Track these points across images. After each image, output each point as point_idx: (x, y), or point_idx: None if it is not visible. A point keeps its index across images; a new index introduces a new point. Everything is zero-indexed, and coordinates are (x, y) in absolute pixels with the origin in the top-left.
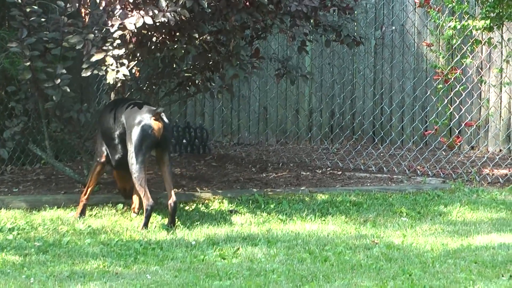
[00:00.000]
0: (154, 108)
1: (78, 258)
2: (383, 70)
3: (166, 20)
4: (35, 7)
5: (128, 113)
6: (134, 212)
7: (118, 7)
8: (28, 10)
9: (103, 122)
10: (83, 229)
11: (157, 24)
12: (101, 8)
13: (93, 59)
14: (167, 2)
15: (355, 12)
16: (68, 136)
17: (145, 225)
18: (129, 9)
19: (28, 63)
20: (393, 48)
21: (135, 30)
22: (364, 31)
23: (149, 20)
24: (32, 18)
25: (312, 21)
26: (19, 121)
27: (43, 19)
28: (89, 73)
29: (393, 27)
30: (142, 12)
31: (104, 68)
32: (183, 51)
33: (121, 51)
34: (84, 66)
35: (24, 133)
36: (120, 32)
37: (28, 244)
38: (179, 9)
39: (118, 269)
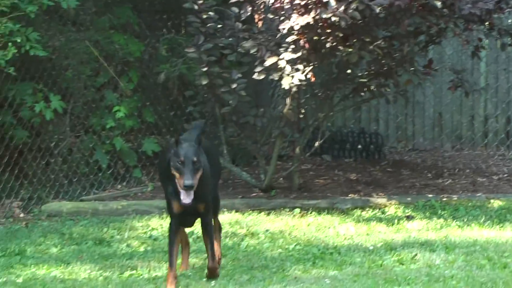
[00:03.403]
0: None
1: (258, 262)
2: None
3: (337, 20)
4: (211, 13)
5: None
6: None
7: (290, 11)
8: (204, 16)
9: None
10: (261, 233)
11: (328, 25)
12: (272, 12)
13: (266, 63)
14: (337, 3)
15: None
16: (245, 141)
17: None
18: (300, 12)
19: (205, 69)
20: None
21: (303, 30)
22: None
23: (315, 18)
24: (209, 25)
25: (486, 24)
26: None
27: (219, 25)
28: (262, 77)
29: None
30: (312, 13)
31: (279, 73)
32: (357, 57)
33: (294, 56)
34: (257, 70)
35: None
36: (293, 37)
37: None
38: (350, 10)
39: (297, 274)
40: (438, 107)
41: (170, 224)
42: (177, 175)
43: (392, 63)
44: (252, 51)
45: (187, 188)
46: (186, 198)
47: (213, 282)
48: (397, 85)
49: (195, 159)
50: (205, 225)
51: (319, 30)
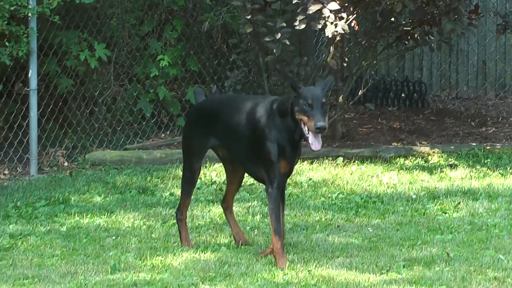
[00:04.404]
0: None
1: (300, 210)
2: None
3: None
4: None
5: None
6: None
7: None
8: None
9: None
10: (304, 182)
11: None
12: None
13: (310, 11)
14: None
15: None
16: (288, 89)
17: None
18: None
19: (249, 17)
20: None
21: None
22: None
23: None
24: None
25: None
26: (240, 71)
27: None
28: (303, 26)
29: None
30: None
31: (322, 22)
32: (401, 5)
33: (337, 5)
34: (299, 17)
35: (245, 86)
36: None
37: (251, 196)
38: None
39: (340, 222)
40: (482, 55)
41: (271, 187)
42: (304, 118)
43: (436, 12)
44: (294, 0)
45: (320, 130)
46: (316, 143)
47: (256, 231)
48: (441, 33)
49: (324, 100)
50: (283, 191)
51: None
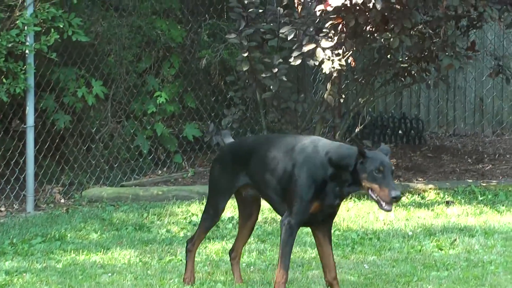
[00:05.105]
0: None
1: (297, 247)
2: None
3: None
4: None
5: None
6: None
7: None
8: (246, 1)
9: None
10: None
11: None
12: None
13: (304, 49)
14: None
15: None
16: (285, 126)
17: None
18: None
19: (246, 54)
20: None
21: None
22: None
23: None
24: (250, 10)
25: None
26: (237, 109)
27: (260, 10)
28: (298, 61)
29: None
30: None
31: (319, 58)
32: (398, 41)
33: (331, 44)
34: (294, 54)
35: (242, 123)
36: (332, 22)
37: None
38: None
39: (336, 259)
40: (479, 92)
41: (292, 219)
42: (374, 187)
43: (433, 47)
44: (289, 38)
45: (396, 200)
46: (389, 207)
47: (252, 267)
48: (438, 69)
49: (393, 168)
50: (330, 230)
51: (356, 14)
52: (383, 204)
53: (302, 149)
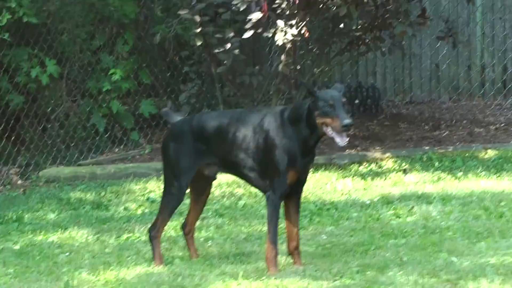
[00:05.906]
0: None
1: (254, 220)
2: None
3: None
4: None
5: None
6: None
7: None
8: None
9: None
10: (258, 192)
11: None
12: None
13: (253, 17)
14: None
15: None
16: (242, 99)
17: None
18: None
19: (199, 29)
20: None
21: None
22: None
23: None
24: None
25: None
26: (194, 84)
27: None
28: (250, 34)
29: None
30: None
31: (272, 30)
32: (345, 9)
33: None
34: (247, 26)
35: (199, 97)
36: None
37: (206, 207)
38: None
39: None
40: (435, 58)
41: (273, 195)
42: (327, 120)
43: (386, 15)
44: (241, 9)
45: (347, 127)
46: (342, 139)
47: (210, 242)
48: (392, 37)
49: (344, 99)
50: (298, 198)
51: None
52: (337, 139)
53: (266, 121)
